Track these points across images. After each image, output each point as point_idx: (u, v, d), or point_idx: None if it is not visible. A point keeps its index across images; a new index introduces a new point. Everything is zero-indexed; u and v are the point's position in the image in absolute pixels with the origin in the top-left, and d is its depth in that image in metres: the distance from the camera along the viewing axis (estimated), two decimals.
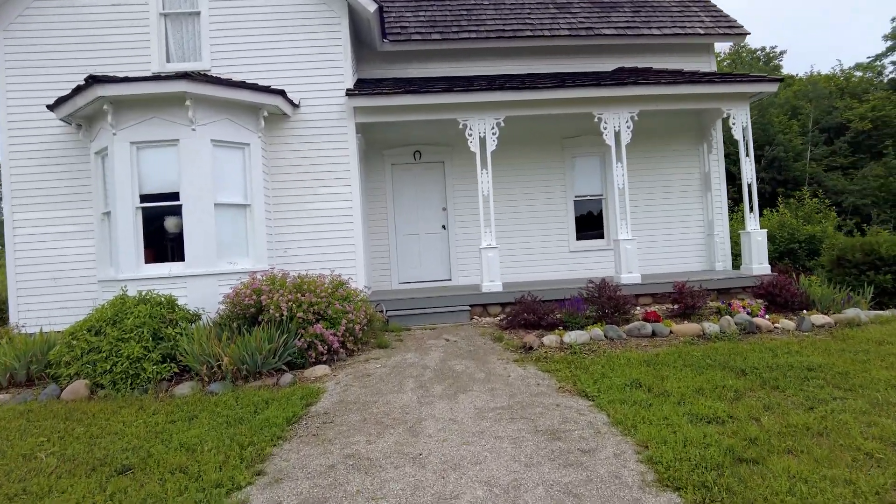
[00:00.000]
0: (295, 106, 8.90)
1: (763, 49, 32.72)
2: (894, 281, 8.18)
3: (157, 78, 7.67)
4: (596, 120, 9.31)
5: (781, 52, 32.52)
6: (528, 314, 7.62)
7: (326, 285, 6.98)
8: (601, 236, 10.87)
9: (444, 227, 10.52)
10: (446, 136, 10.38)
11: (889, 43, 36.39)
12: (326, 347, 6.42)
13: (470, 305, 8.69)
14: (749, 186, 9.60)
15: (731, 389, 5.00)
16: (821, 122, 31.10)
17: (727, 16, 11.30)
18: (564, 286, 8.99)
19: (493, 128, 9.03)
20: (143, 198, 7.88)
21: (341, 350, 6.62)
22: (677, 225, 10.89)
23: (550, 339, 6.72)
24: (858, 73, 37.17)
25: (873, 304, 8.13)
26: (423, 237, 10.53)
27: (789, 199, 14.28)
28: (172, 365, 6.27)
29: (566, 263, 10.61)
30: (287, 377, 6.02)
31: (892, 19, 36.86)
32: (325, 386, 5.72)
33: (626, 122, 9.31)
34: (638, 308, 8.66)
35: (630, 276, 9.07)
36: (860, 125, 32.29)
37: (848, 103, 34.52)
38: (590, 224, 10.90)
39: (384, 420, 4.64)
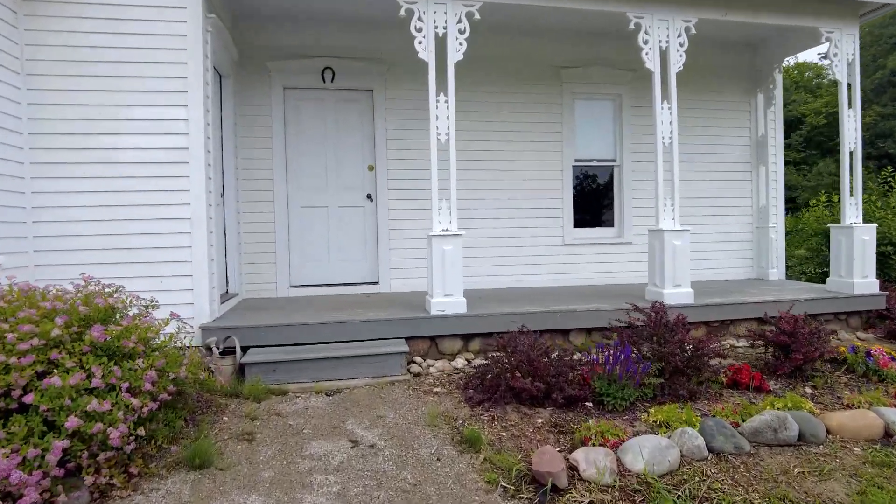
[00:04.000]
0: None
1: None
2: None
3: None
4: (632, 26, 5.51)
5: None
6: (523, 372, 3.78)
7: (65, 316, 2.85)
8: (609, 222, 7.18)
9: (370, 197, 6.50)
10: (378, 45, 6.31)
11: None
12: None
13: (407, 338, 4.77)
14: (851, 154, 6.15)
15: None
16: None
17: None
18: (576, 306, 5.22)
19: (459, 20, 5.04)
20: None
21: (63, 495, 2.53)
22: (716, 212, 7.37)
23: (597, 458, 2.88)
24: (808, 73, 35.90)
25: None
26: (336, 213, 6.47)
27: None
28: None
29: (558, 263, 6.85)
30: None
31: None
32: None
33: (679, 35, 5.59)
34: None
35: (678, 291, 5.42)
36: (815, 120, 30.82)
37: (803, 98, 33.08)
38: (593, 204, 7.19)
39: None
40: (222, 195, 5.70)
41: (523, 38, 6.65)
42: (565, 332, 5.16)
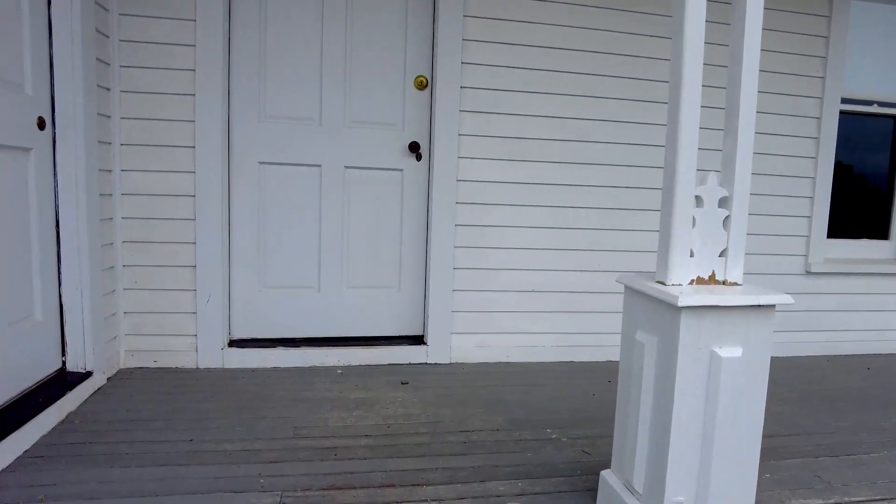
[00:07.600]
0: None
1: None
2: None
3: None
4: None
5: None
6: None
7: None
8: (878, 231, 3.66)
9: (416, 149, 2.96)
10: None
11: None
12: None
13: None
14: None
15: None
16: None
17: None
18: None
19: None
20: None
21: None
22: None
23: None
24: None
25: None
26: (338, 182, 2.95)
27: None
28: None
29: (794, 310, 3.37)
30: None
31: None
32: None
33: None
34: None
35: None
36: None
37: None
38: (850, 194, 3.65)
39: None
40: (44, 127, 2.19)
41: None
42: None
